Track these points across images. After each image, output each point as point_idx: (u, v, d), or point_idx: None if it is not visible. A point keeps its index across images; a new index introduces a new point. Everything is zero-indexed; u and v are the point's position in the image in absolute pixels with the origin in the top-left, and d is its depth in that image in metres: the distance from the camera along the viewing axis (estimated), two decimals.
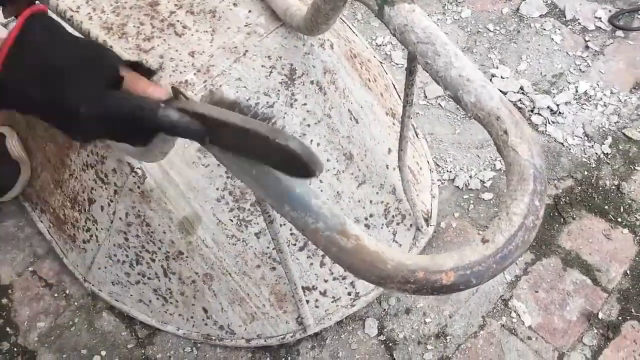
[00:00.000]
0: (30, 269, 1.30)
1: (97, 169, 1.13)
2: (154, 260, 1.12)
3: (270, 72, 1.06)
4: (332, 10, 0.94)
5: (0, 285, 1.28)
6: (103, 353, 1.20)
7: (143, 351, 1.20)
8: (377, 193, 1.16)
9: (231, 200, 1.07)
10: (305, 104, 1.09)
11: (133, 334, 1.21)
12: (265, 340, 1.13)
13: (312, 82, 1.09)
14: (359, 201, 1.14)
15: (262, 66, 1.06)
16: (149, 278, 1.15)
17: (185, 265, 1.10)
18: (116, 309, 1.23)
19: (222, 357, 1.18)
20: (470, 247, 0.64)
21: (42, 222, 1.33)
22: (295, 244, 1.11)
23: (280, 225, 1.07)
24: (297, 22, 1.03)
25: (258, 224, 1.08)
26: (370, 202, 1.15)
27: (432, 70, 0.76)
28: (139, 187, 1.05)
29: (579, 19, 1.52)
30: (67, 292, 1.26)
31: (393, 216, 1.18)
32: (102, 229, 1.17)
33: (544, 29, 1.51)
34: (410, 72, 1.00)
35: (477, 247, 0.64)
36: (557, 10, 1.54)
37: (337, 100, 1.12)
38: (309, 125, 1.09)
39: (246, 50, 1.06)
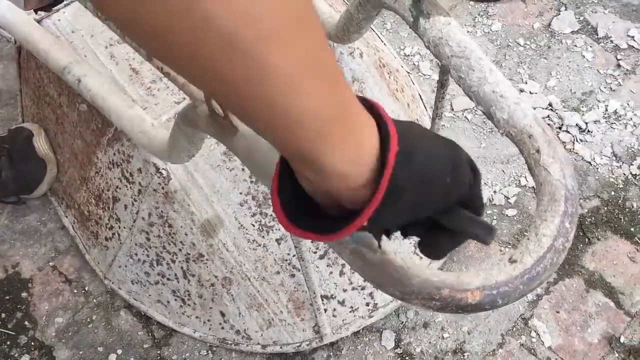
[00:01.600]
0: (51, 264, 1.31)
1: (122, 168, 1.14)
2: (174, 262, 1.13)
3: None
4: (365, 20, 0.93)
5: (21, 279, 1.29)
6: (119, 351, 1.20)
7: (159, 352, 1.20)
8: None
9: (254, 205, 1.07)
10: None
11: (150, 334, 1.22)
12: (281, 347, 1.12)
13: None
14: None
15: None
16: (168, 279, 1.15)
17: (205, 268, 1.10)
18: (134, 308, 1.23)
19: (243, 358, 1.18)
20: (498, 266, 0.63)
21: (67, 217, 1.34)
22: (315, 252, 1.10)
23: None
24: (328, 30, 1.02)
25: (279, 230, 1.07)
26: None
27: (465, 85, 0.75)
28: (163, 188, 1.06)
29: (611, 37, 1.50)
30: (87, 288, 1.27)
31: None
32: (124, 227, 1.17)
33: (575, 46, 1.49)
34: (442, 85, 0.99)
35: (504, 267, 0.63)
36: (590, 27, 1.52)
37: None
38: None
39: None
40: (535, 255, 0.62)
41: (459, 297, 0.61)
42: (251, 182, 1.06)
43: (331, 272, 1.11)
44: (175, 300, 1.17)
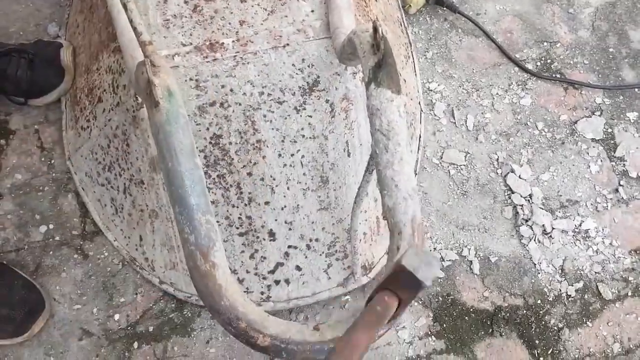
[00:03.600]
0: (36, 126, 1.43)
1: (114, 77, 1.23)
2: (120, 175, 1.23)
3: (297, 73, 1.11)
4: (352, 54, 0.97)
5: (6, 128, 1.42)
6: (51, 226, 1.33)
7: (82, 243, 1.32)
8: (333, 224, 1.21)
9: (203, 163, 1.14)
10: (310, 116, 1.14)
11: (82, 225, 1.33)
12: (174, 290, 1.22)
13: (327, 101, 1.13)
14: (313, 222, 1.20)
15: (292, 65, 1.11)
16: (111, 187, 1.26)
17: (141, 194, 1.19)
18: (80, 197, 1.35)
19: (139, 284, 1.29)
20: (300, 327, 0.70)
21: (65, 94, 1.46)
22: (238, 228, 1.18)
23: (246, 205, 1.15)
24: (336, 44, 1.07)
25: (215, 194, 1.15)
26: (323, 229, 1.21)
27: (375, 160, 0.79)
28: (134, 112, 1.15)
29: (626, 161, 1.48)
30: (53, 162, 1.39)
31: (336, 250, 1.23)
32: (96, 126, 1.27)
33: (587, 153, 1.48)
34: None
35: (306, 329, 0.70)
36: (612, 142, 1.51)
37: (340, 128, 1.16)
38: (303, 136, 1.14)
39: (287, 44, 1.11)
40: (338, 332, 0.69)
41: (251, 334, 0.69)
42: (210, 143, 1.14)
43: (243, 252, 1.18)
44: (111, 207, 1.28)
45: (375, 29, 0.80)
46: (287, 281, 1.23)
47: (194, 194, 0.72)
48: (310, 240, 1.21)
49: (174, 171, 0.76)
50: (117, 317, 1.26)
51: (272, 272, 1.21)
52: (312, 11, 1.14)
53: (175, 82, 0.86)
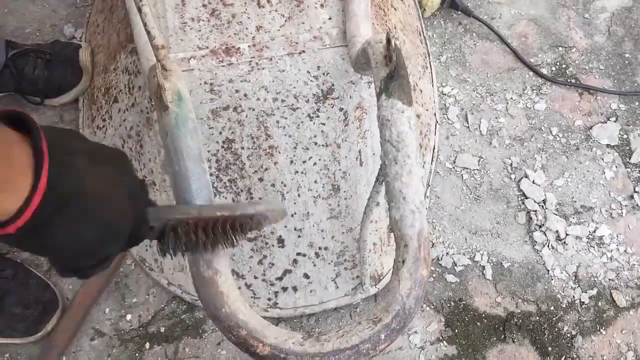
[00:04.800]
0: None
1: (130, 78, 1.23)
2: None
3: (312, 80, 1.11)
4: (366, 64, 0.97)
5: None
6: None
7: None
8: (343, 233, 1.21)
9: (214, 167, 1.14)
10: (323, 124, 1.13)
11: None
12: (182, 292, 1.23)
13: (340, 109, 1.13)
14: (322, 230, 1.19)
15: (307, 72, 1.11)
16: None
17: (153, 195, 1.20)
18: None
19: (151, 284, 1.29)
20: (299, 339, 0.69)
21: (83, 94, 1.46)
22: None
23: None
24: (352, 52, 1.06)
25: (225, 198, 1.15)
26: (332, 237, 1.20)
27: (383, 172, 0.79)
28: (147, 113, 1.15)
29: None
30: None
31: (345, 260, 1.23)
32: (111, 126, 1.28)
33: (602, 159, 1.47)
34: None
35: (305, 341, 0.69)
36: (627, 148, 1.49)
37: (353, 137, 1.16)
38: (316, 144, 1.14)
39: (303, 51, 1.11)
40: (338, 345, 0.68)
41: (251, 343, 0.68)
42: (221, 146, 1.14)
43: (251, 257, 1.18)
44: None
45: (388, 40, 0.80)
46: (294, 289, 1.23)
47: (199, 198, 0.71)
48: (320, 248, 1.21)
49: (180, 175, 0.76)
50: (129, 317, 1.26)
51: (280, 278, 1.21)
52: (330, 18, 1.14)
53: (186, 87, 0.86)
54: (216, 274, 0.69)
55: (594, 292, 1.34)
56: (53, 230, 0.47)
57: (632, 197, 1.44)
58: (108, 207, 0.51)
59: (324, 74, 1.11)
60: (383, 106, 0.81)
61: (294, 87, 1.11)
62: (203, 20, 1.14)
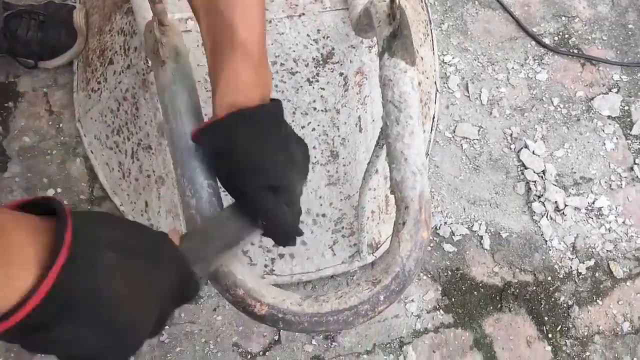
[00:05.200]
0: (45, 90, 1.41)
1: (126, 39, 1.21)
2: (128, 139, 1.21)
3: (311, 44, 1.09)
4: (368, 25, 0.95)
5: (14, 90, 1.40)
6: (59, 190, 1.32)
7: (89, 207, 1.31)
8: (341, 200, 1.19)
9: None
10: (323, 89, 1.11)
11: (90, 189, 1.32)
12: None
13: (340, 74, 1.11)
14: (320, 197, 1.18)
15: (307, 35, 1.09)
16: (119, 150, 1.24)
17: (149, 159, 1.18)
18: (89, 162, 1.34)
19: None
20: (297, 299, 0.68)
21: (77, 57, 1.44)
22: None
23: None
24: (353, 15, 1.04)
25: None
26: (330, 204, 1.19)
27: (385, 132, 0.77)
28: (143, 75, 1.13)
29: None
30: (61, 125, 1.38)
31: (343, 227, 1.21)
32: (106, 89, 1.26)
33: (603, 131, 1.46)
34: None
35: (303, 301, 0.68)
36: (628, 120, 1.48)
37: (353, 102, 1.14)
38: (315, 109, 1.12)
39: (303, 14, 1.08)
40: (336, 306, 0.67)
41: (248, 302, 0.67)
42: None
43: None
44: (119, 171, 1.26)
45: None
46: (291, 255, 1.22)
47: (197, 156, 0.70)
48: (317, 215, 1.19)
49: (178, 132, 0.74)
50: None
51: (277, 245, 1.20)
52: None
53: (184, 42, 0.84)
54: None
55: (591, 262, 1.34)
56: (51, 334, 0.42)
57: (632, 168, 1.43)
58: (125, 312, 0.45)
59: (324, 37, 1.09)
60: (385, 66, 0.79)
61: (294, 51, 1.09)
62: None
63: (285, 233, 0.64)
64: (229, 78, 0.63)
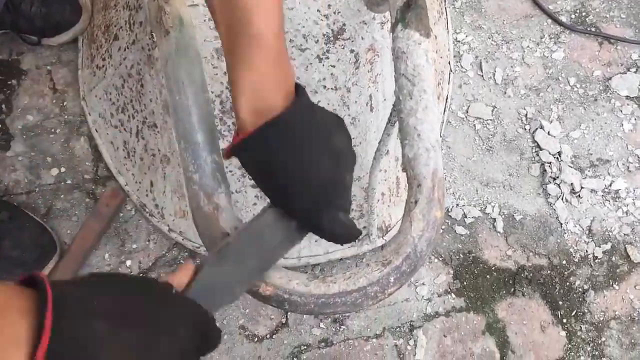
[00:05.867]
0: (49, 67, 1.38)
1: (131, 14, 1.17)
2: (133, 117, 1.18)
3: (322, 20, 1.05)
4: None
5: (18, 68, 1.38)
6: (63, 169, 1.29)
7: (94, 187, 1.28)
8: None
9: (218, 108, 1.09)
10: (333, 66, 1.07)
11: (95, 169, 1.30)
12: (182, 239, 1.19)
13: (351, 51, 1.07)
14: None
15: (317, 10, 1.05)
16: (124, 129, 1.22)
17: (154, 138, 1.15)
18: (93, 141, 1.31)
19: (152, 230, 1.25)
20: (304, 279, 0.65)
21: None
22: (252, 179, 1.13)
23: None
24: None
25: (229, 142, 1.10)
26: None
27: (398, 107, 0.74)
28: (149, 50, 1.10)
29: None
30: (65, 104, 1.35)
31: (352, 209, 1.18)
32: (111, 65, 1.23)
33: (621, 111, 1.42)
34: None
35: (310, 282, 0.65)
36: None
37: (364, 80, 1.10)
38: (325, 87, 1.08)
39: None
40: (344, 287, 0.64)
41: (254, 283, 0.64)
42: (226, 87, 1.08)
43: (255, 204, 1.14)
44: (123, 150, 1.24)
45: None
46: None
47: (201, 130, 0.67)
48: None
49: (181, 105, 0.70)
50: (129, 263, 1.23)
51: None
52: None
53: (188, 11, 0.81)
54: (217, 208, 0.65)
55: (607, 246, 1.30)
56: None
57: None
58: None
59: (334, 12, 1.05)
60: (399, 37, 0.76)
61: (303, 27, 1.05)
62: None
63: (343, 240, 0.60)
64: (250, 78, 0.58)
